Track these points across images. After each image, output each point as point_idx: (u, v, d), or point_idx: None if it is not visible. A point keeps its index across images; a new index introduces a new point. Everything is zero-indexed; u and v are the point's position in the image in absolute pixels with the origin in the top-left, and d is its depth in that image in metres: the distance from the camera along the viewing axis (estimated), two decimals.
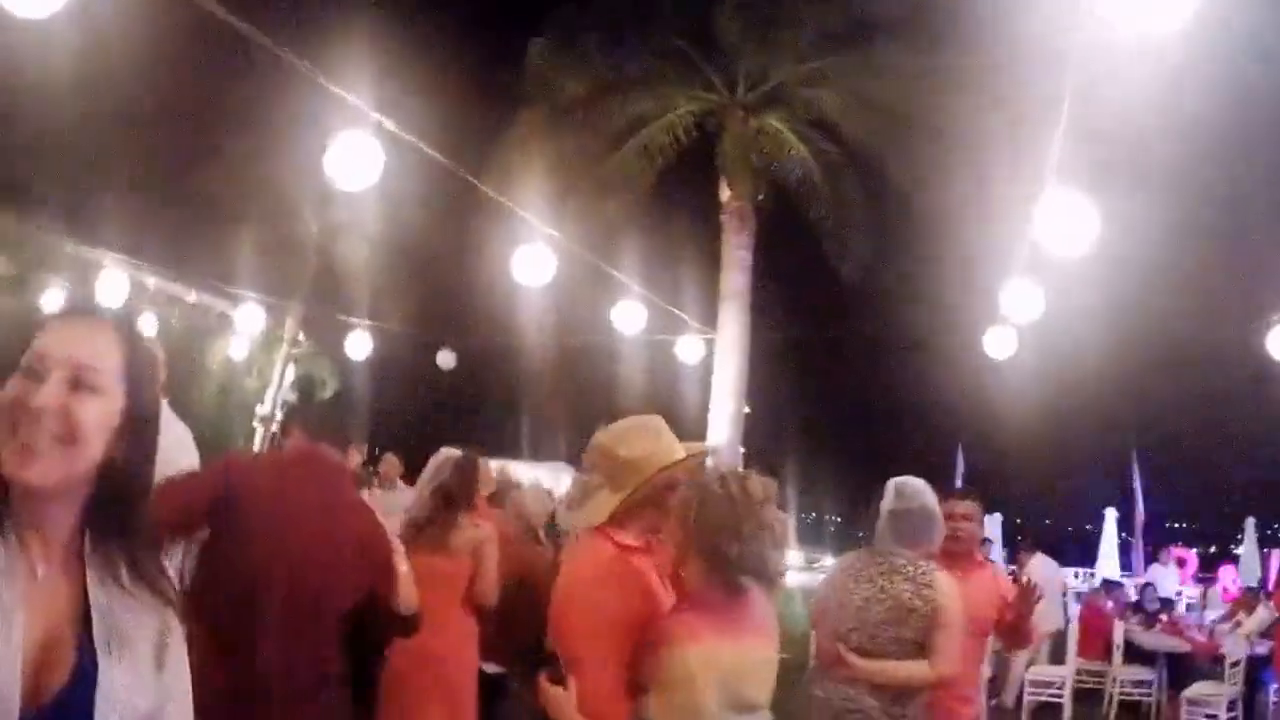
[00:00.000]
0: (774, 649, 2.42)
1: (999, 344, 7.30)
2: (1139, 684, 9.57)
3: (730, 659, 2.24)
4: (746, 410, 9.64)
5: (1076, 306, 7.59)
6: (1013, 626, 3.82)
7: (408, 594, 2.99)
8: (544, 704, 2.26)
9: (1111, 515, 17.17)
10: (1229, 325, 7.78)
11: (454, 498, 3.97)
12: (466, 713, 3.97)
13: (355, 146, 4.53)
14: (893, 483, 3.54)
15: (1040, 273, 5.98)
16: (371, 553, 2.94)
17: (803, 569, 16.44)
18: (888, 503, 3.48)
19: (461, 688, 3.95)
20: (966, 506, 3.84)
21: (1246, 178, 6.52)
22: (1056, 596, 10.20)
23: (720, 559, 2.24)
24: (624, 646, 2.25)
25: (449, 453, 4.14)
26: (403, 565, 2.99)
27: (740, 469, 2.66)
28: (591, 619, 2.32)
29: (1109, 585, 12.00)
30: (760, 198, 9.13)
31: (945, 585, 3.35)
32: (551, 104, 9.12)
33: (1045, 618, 9.76)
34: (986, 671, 8.81)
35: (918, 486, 3.50)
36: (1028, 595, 3.73)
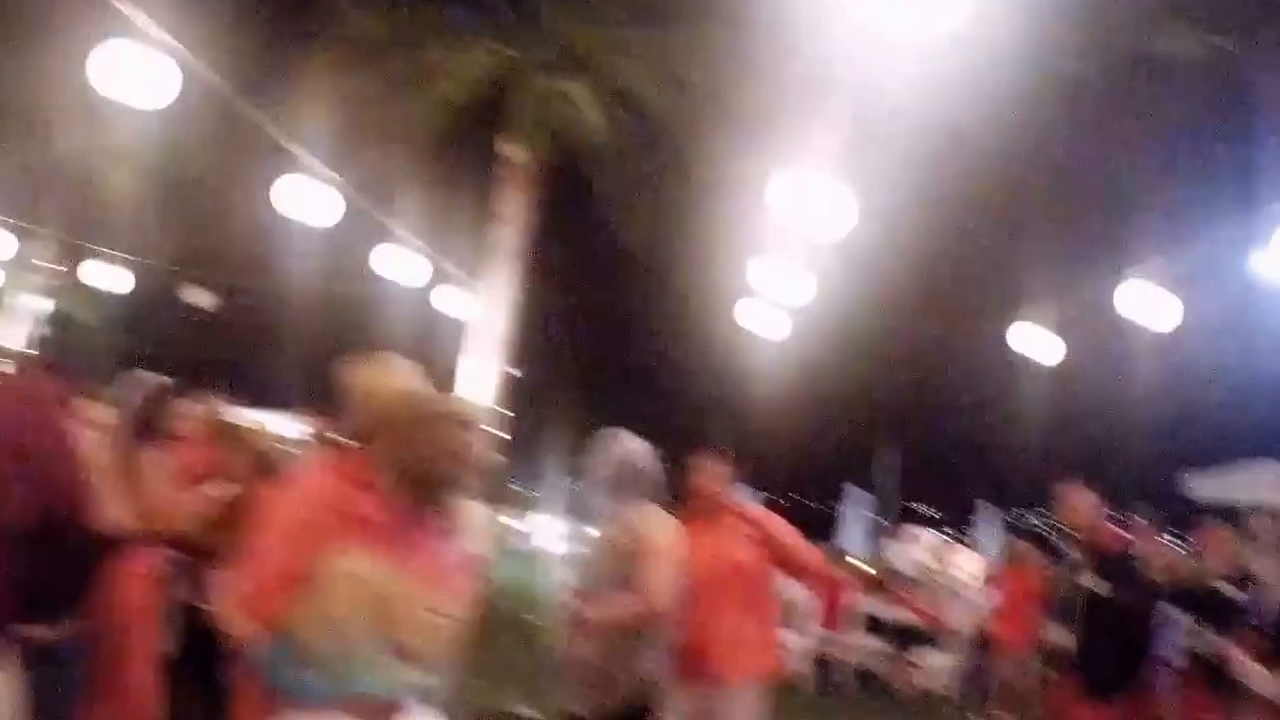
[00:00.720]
0: (456, 607, 2.37)
1: (763, 323, 7.43)
2: (874, 653, 10.26)
3: (382, 585, 2.18)
4: (515, 372, 9.55)
5: (842, 292, 7.89)
6: (787, 560, 4.06)
7: (112, 513, 2.93)
8: None
9: (856, 495, 18.27)
10: (981, 319, 8.27)
11: (142, 427, 3.69)
12: None
13: (127, 58, 4.18)
14: (608, 437, 3.67)
15: (811, 256, 6.16)
16: (45, 468, 2.85)
17: (569, 538, 16.51)
18: (602, 458, 3.61)
19: None
20: (711, 462, 4.04)
21: (1001, 180, 6.97)
22: None
23: (408, 471, 2.27)
24: (292, 549, 2.23)
25: (140, 377, 3.86)
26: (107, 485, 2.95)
27: (493, 427, 2.67)
28: (269, 518, 2.38)
29: (840, 557, 12.79)
30: (547, 158, 8.99)
31: (651, 522, 3.48)
32: (348, 43, 8.65)
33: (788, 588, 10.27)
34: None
35: (628, 439, 3.64)
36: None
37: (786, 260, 6.28)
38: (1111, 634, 4.47)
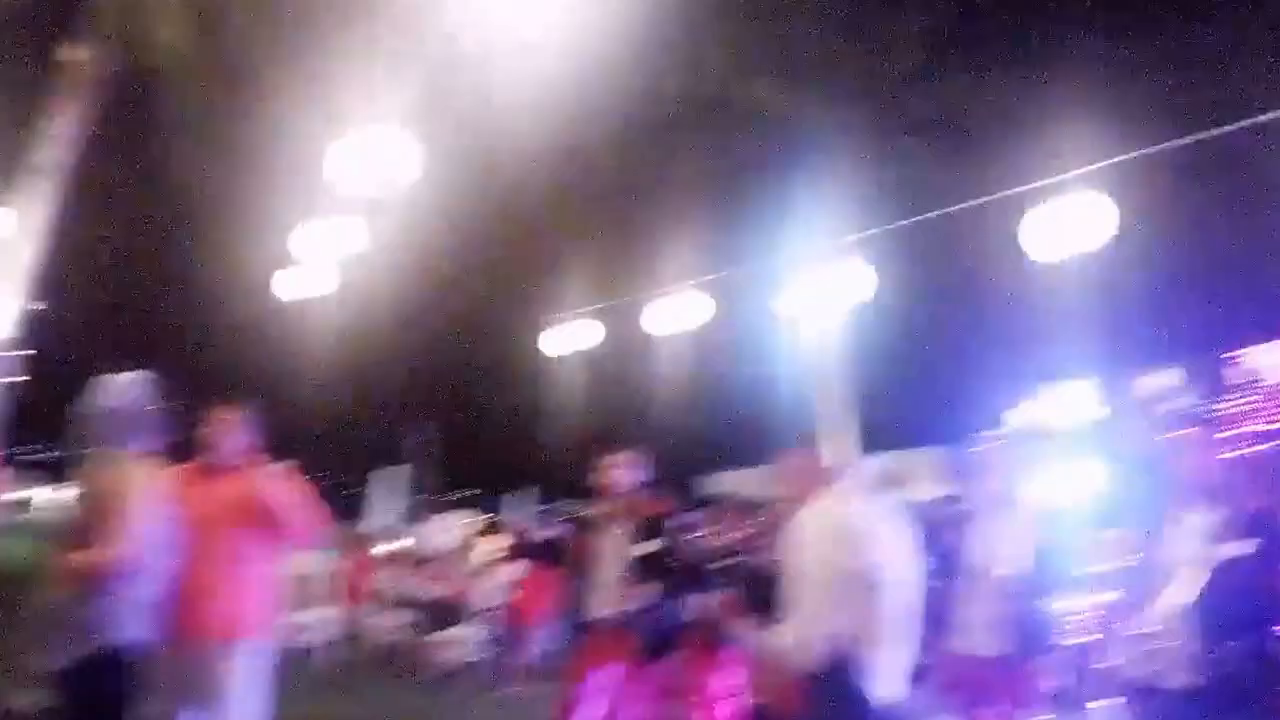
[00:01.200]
0: None
1: (298, 286, 7.12)
2: (399, 628, 10.36)
3: None
4: (38, 306, 8.23)
5: (389, 264, 7.83)
6: (278, 524, 3.95)
7: None
8: None
9: (387, 473, 18.26)
10: (528, 312, 8.62)
11: None
12: None
13: None
14: (98, 383, 3.49)
15: (363, 219, 5.99)
16: None
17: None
18: (90, 405, 3.44)
19: None
20: (226, 416, 3.99)
21: (560, 176, 7.35)
22: None
23: None
24: None
25: None
26: None
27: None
28: None
29: (365, 536, 12.79)
30: (112, 72, 7.77)
31: (130, 471, 3.37)
32: None
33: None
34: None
35: (120, 385, 3.49)
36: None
37: (336, 220, 6.06)
38: (649, 592, 4.86)
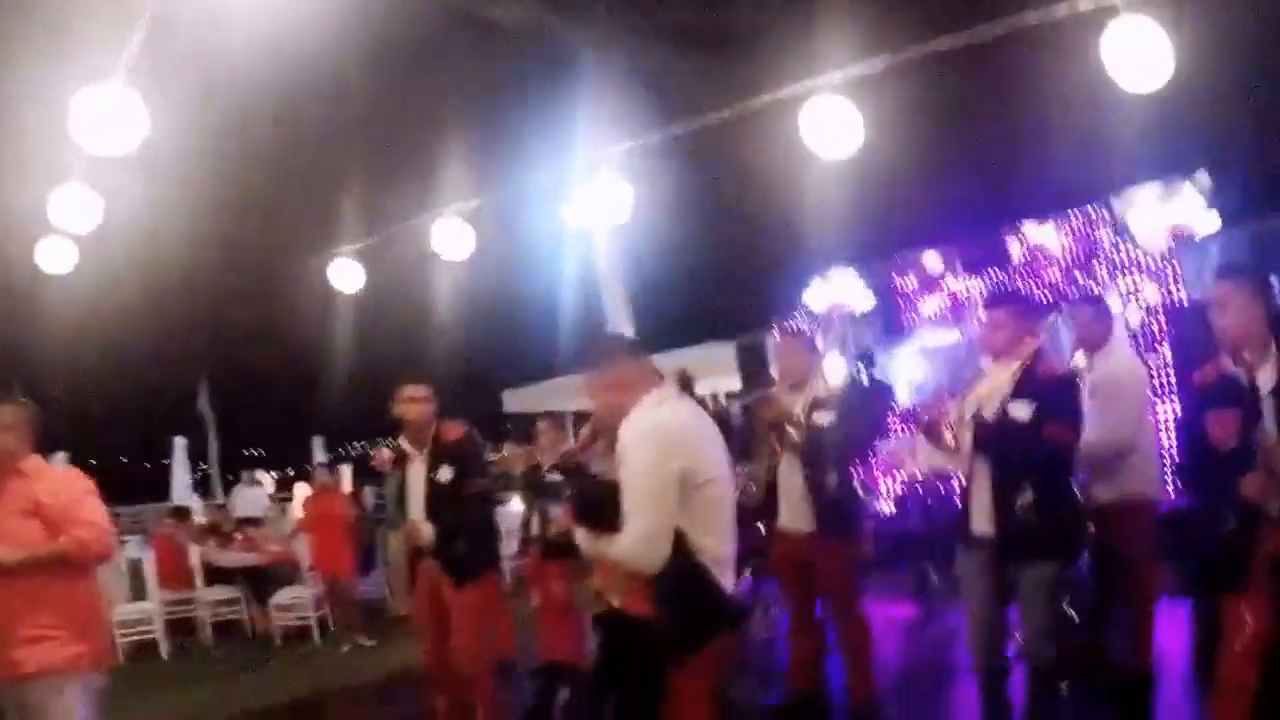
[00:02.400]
0: None
1: (53, 257, 6.57)
2: (227, 603, 10.10)
3: None
4: None
5: (148, 224, 7.40)
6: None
7: None
8: None
9: (181, 444, 17.45)
10: (300, 253, 8.33)
11: None
12: None
13: None
14: None
15: (109, 180, 5.60)
16: None
17: None
18: None
19: None
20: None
21: (319, 117, 7.07)
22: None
23: None
24: None
25: None
26: None
27: None
28: None
29: (179, 512, 12.34)
30: None
31: None
32: None
33: None
34: None
35: None
36: None
37: (81, 184, 5.65)
38: (461, 520, 5.04)
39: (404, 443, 5.27)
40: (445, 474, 5.08)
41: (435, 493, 5.09)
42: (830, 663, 5.41)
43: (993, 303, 4.23)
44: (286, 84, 6.46)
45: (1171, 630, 5.54)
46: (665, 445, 3.10)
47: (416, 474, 5.18)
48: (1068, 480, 4.10)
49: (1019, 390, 3.99)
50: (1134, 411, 4.93)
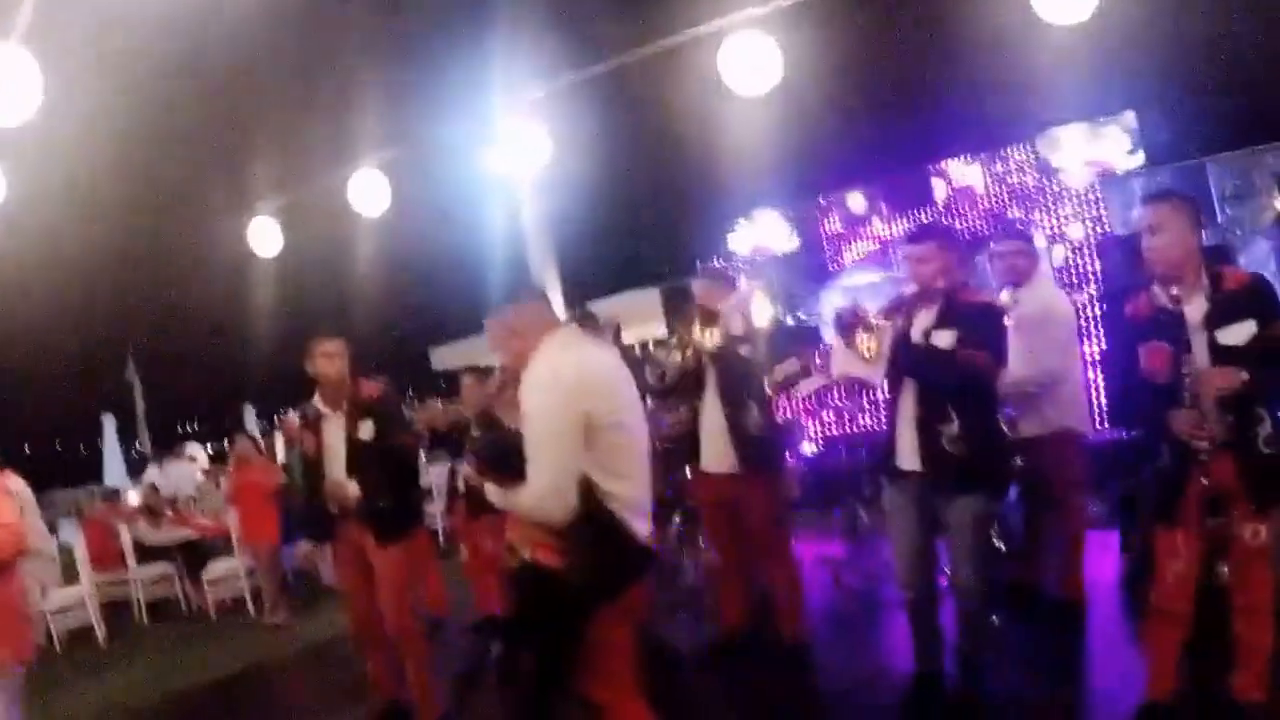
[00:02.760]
0: None
1: None
2: (160, 580, 9.88)
3: None
4: None
5: (53, 197, 7.09)
6: None
7: None
8: None
9: (111, 423, 17.01)
10: (215, 216, 8.07)
11: None
12: None
13: None
14: None
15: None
16: None
17: None
18: None
19: None
20: None
21: (234, 72, 6.80)
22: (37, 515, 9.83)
23: None
24: None
25: None
26: None
27: None
28: None
29: (109, 495, 12.05)
30: None
31: None
32: None
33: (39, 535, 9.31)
34: None
35: None
36: None
37: None
38: (383, 477, 4.86)
39: (319, 402, 5.04)
40: (366, 431, 4.89)
41: (356, 450, 4.89)
42: (760, 602, 5.42)
43: (918, 236, 4.15)
44: (189, 38, 6.19)
45: (1100, 560, 5.62)
46: (565, 387, 2.98)
47: (335, 433, 4.97)
48: (993, 412, 4.06)
49: (941, 320, 3.94)
50: (1060, 345, 4.92)
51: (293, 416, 5.19)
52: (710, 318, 4.95)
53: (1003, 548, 5.74)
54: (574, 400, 2.97)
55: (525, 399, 3.02)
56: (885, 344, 3.90)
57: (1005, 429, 4.74)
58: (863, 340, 3.87)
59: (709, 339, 4.86)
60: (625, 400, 3.19)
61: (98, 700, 6.96)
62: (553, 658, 3.07)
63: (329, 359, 4.92)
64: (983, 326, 3.87)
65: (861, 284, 8.75)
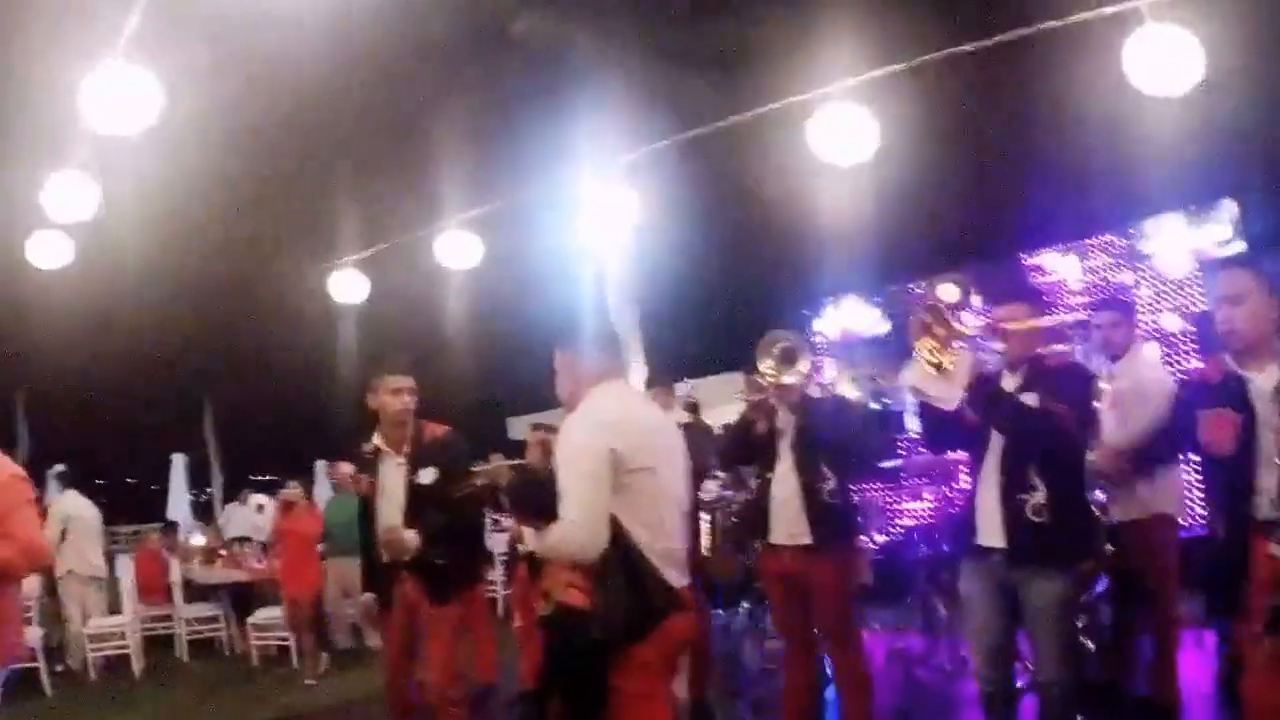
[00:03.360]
0: None
1: (47, 251, 6.32)
2: (206, 620, 9.91)
3: None
4: None
5: (148, 223, 7.28)
6: None
7: None
8: None
9: (181, 462, 17.31)
10: (299, 266, 8.21)
11: None
12: None
13: None
14: None
15: (106, 176, 5.44)
16: None
17: None
18: None
19: None
20: None
21: (336, 121, 6.99)
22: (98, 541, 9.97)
23: None
24: None
25: None
26: None
27: None
28: None
29: (167, 528, 12.21)
30: None
31: None
32: None
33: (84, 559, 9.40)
34: (38, 632, 8.26)
35: None
36: None
37: (79, 172, 5.47)
38: (443, 528, 4.64)
39: (379, 440, 4.82)
40: (428, 476, 4.64)
41: (416, 496, 4.64)
42: (828, 696, 5.16)
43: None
44: (295, 91, 6.39)
45: (1196, 659, 5.28)
46: (596, 424, 3.05)
47: (394, 477, 4.74)
48: (1080, 483, 3.84)
49: (1026, 384, 3.76)
50: (1157, 418, 4.66)
51: (344, 465, 5.07)
52: (790, 358, 4.70)
53: (1090, 645, 5.44)
54: (603, 437, 3.00)
55: (561, 439, 3.07)
56: (964, 367, 3.69)
57: (1090, 503, 4.51)
58: (930, 347, 3.68)
59: (787, 377, 4.62)
60: (660, 449, 3.20)
61: None
62: (582, 703, 2.99)
63: (395, 395, 4.71)
64: (1067, 387, 3.67)
65: None
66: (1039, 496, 3.57)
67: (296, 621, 8.74)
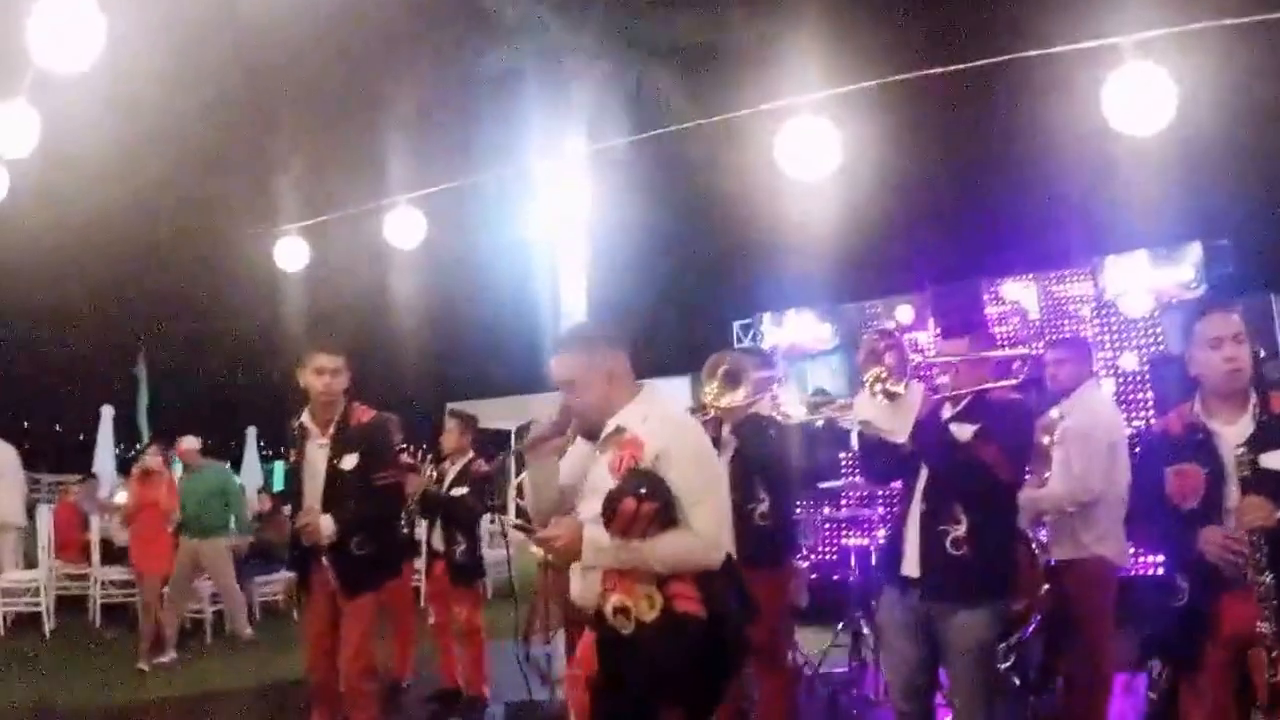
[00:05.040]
0: None
1: None
2: (122, 585, 9.66)
3: None
4: None
5: (90, 162, 7.06)
6: None
7: None
8: None
9: (109, 415, 16.93)
10: (243, 228, 8.04)
11: None
12: None
13: None
14: None
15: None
16: None
17: None
18: None
19: None
20: None
21: (276, 90, 6.84)
22: (18, 487, 9.70)
23: None
24: None
25: None
26: None
27: None
28: None
29: (85, 480, 11.81)
30: None
31: None
32: None
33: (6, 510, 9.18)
34: None
35: None
36: None
37: (22, 102, 5.28)
38: (361, 516, 4.60)
39: (306, 419, 4.70)
40: (349, 461, 4.53)
41: (336, 480, 4.52)
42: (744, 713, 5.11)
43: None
44: (254, 45, 6.25)
45: (1125, 705, 5.31)
46: (698, 427, 3.10)
47: (318, 458, 4.62)
48: (1006, 520, 3.77)
49: (965, 414, 3.73)
50: (1102, 460, 4.67)
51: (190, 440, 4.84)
52: (733, 380, 4.65)
53: (1017, 681, 5.46)
54: (706, 440, 3.07)
55: (679, 442, 2.93)
56: (914, 398, 3.63)
57: (1035, 550, 4.50)
58: (879, 375, 3.63)
59: (726, 399, 4.55)
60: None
61: (12, 692, 6.71)
62: (707, 710, 2.96)
63: (318, 375, 4.58)
64: (1003, 422, 3.62)
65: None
66: (960, 530, 3.54)
67: (145, 602, 8.01)
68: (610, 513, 2.79)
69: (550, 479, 3.18)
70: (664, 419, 3.01)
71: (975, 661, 3.58)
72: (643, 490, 2.78)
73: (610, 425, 3.00)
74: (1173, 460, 3.23)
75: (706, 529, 2.85)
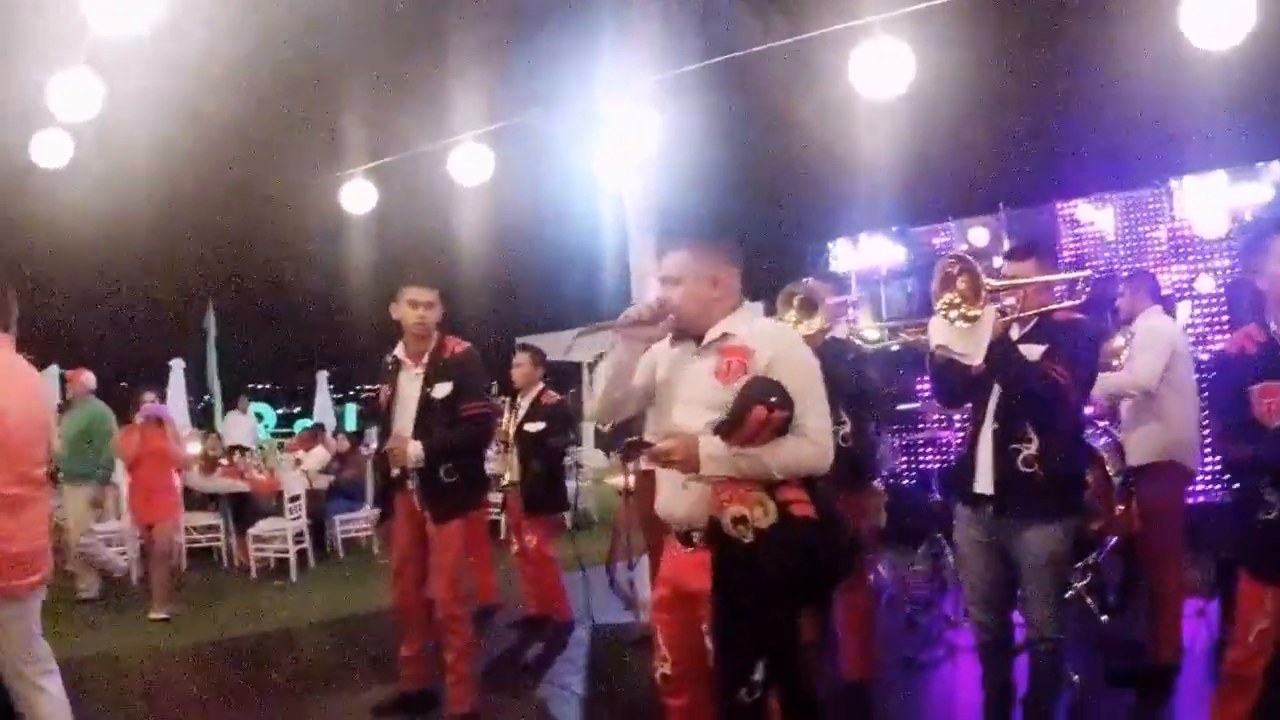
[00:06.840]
0: None
1: (50, 150, 6.29)
2: (204, 529, 10.09)
3: None
4: None
5: (157, 118, 7.28)
6: None
7: None
8: None
9: (180, 367, 17.43)
10: (309, 174, 8.20)
11: None
12: None
13: None
14: None
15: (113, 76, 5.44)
16: None
17: None
18: None
19: None
20: None
21: (337, 33, 6.95)
22: None
23: None
24: None
25: None
26: None
27: None
28: None
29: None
30: None
31: None
32: None
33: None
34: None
35: None
36: None
37: (84, 69, 5.48)
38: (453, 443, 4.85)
39: (400, 351, 4.93)
40: (442, 390, 4.75)
41: (428, 410, 4.75)
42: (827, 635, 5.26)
43: (1017, 253, 4.03)
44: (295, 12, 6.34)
45: (1199, 628, 5.40)
46: (807, 347, 3.12)
47: (410, 388, 4.85)
48: (1075, 441, 3.90)
49: (1032, 335, 3.81)
50: (1163, 357, 4.91)
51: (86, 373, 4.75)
52: (810, 308, 4.75)
53: (1091, 604, 5.56)
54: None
55: (789, 350, 3.01)
56: (988, 322, 3.70)
57: (1109, 473, 4.58)
58: (952, 300, 3.68)
59: (803, 326, 4.62)
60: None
61: (108, 640, 7.00)
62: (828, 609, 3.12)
63: (412, 307, 4.80)
64: (1069, 343, 3.71)
65: None
66: (1031, 448, 3.65)
67: (150, 555, 8.06)
68: (737, 421, 2.80)
69: (631, 366, 3.18)
70: (770, 328, 3.12)
71: (1046, 575, 3.70)
72: (773, 399, 2.80)
73: (715, 331, 3.03)
74: (1253, 380, 3.28)
75: (820, 435, 2.92)
